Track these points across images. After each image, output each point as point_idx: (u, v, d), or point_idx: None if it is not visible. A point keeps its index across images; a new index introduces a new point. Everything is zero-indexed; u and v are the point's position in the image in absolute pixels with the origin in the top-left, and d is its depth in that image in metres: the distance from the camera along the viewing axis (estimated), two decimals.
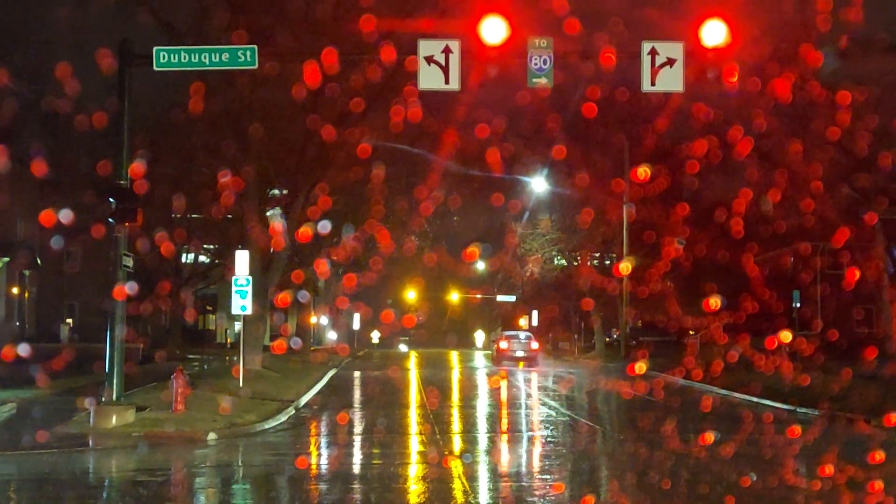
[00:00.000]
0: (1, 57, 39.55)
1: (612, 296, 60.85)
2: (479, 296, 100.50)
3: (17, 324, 56.03)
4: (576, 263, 67.79)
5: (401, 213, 50.10)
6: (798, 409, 27.70)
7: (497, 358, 57.12)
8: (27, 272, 57.16)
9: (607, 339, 68.97)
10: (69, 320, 59.92)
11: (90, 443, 21.23)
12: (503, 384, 39.49)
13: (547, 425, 25.10)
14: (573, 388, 38.50)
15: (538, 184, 59.87)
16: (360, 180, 41.07)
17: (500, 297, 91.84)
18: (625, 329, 59.50)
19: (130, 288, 23.70)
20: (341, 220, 49.26)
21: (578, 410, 29.85)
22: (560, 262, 69.52)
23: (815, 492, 15.01)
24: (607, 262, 66.90)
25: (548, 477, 17.11)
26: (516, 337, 58.73)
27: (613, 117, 52.39)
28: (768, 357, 36.26)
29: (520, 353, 55.52)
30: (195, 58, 22.64)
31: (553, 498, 14.82)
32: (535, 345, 56.76)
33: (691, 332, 53.08)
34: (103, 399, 23.06)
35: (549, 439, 22.51)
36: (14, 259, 53.21)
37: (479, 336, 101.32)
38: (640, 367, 39.64)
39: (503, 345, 56.92)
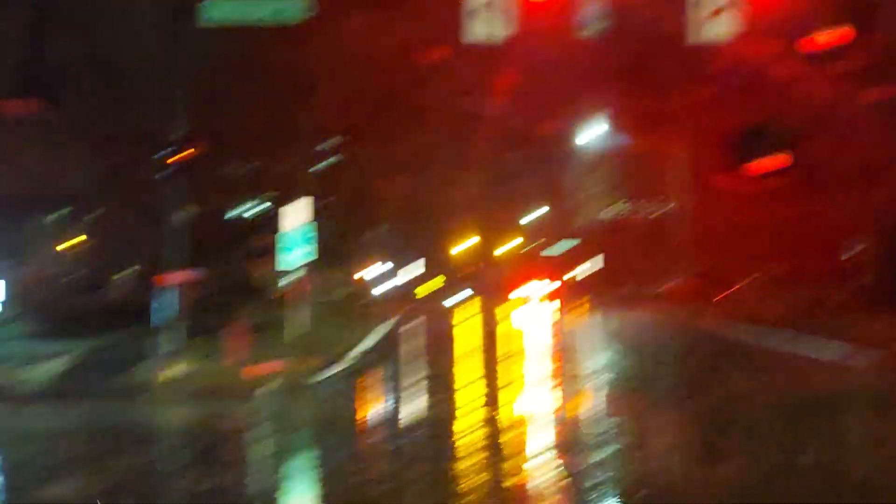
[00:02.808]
0: (54, 8, 39.74)
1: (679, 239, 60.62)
2: (542, 240, 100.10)
3: (79, 274, 56.90)
4: (636, 209, 67.44)
5: (457, 160, 49.89)
6: None
7: None
8: (87, 222, 57.93)
9: (668, 286, 68.65)
10: (130, 270, 60.61)
11: (149, 392, 21.56)
12: (548, 329, 39.47)
13: (598, 372, 25.05)
14: (628, 334, 38.38)
15: (600, 127, 59.23)
16: (417, 129, 41.00)
17: (560, 244, 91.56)
18: (685, 275, 59.17)
19: (184, 241, 23.98)
20: (399, 168, 49.25)
21: (635, 357, 29.66)
22: (621, 207, 69.27)
23: None
24: (669, 207, 66.56)
25: (599, 422, 17.13)
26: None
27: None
28: None
29: None
30: (245, 10, 22.66)
31: (609, 446, 14.84)
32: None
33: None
34: (164, 350, 23.39)
35: (601, 386, 22.45)
36: (74, 210, 53.95)
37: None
38: None
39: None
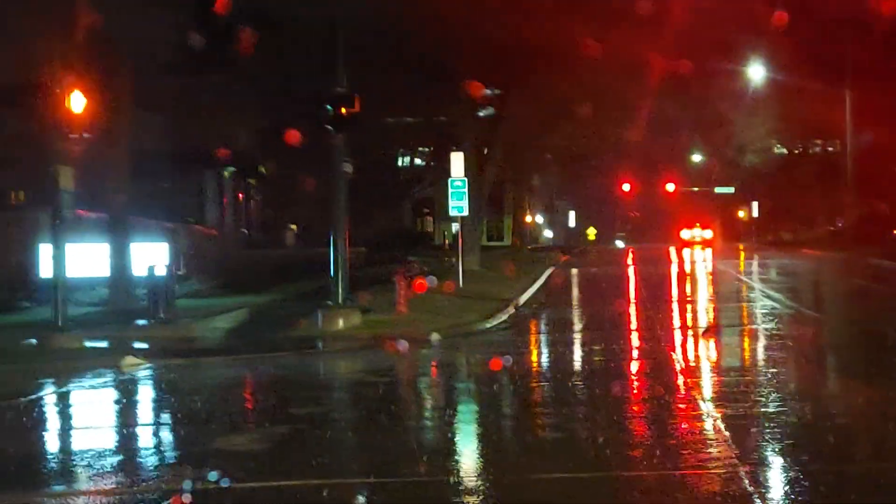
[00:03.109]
0: None
1: (835, 182, 58.68)
2: (695, 189, 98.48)
3: (245, 231, 58.24)
4: (797, 151, 65.57)
5: (614, 107, 49.12)
6: None
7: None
8: (252, 181, 59.17)
9: (832, 229, 66.73)
10: (293, 226, 61.79)
11: (319, 345, 21.92)
12: (714, 278, 38.76)
13: (769, 317, 24.45)
14: (792, 279, 37.46)
15: (755, 71, 57.78)
16: (572, 75, 40.45)
17: (717, 189, 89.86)
18: (850, 217, 57.37)
19: (348, 192, 24.17)
20: (554, 117, 48.80)
21: (802, 301, 28.94)
22: (780, 150, 67.32)
23: None
24: (830, 149, 64.46)
25: (774, 370, 16.68)
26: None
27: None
28: None
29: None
30: None
31: (780, 393, 14.44)
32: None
33: None
34: (329, 303, 23.69)
35: (772, 332, 21.92)
36: (239, 168, 55.12)
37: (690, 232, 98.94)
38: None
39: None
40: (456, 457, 11.52)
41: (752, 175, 72.96)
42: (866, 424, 12.32)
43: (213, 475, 10.21)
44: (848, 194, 56.37)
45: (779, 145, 67.05)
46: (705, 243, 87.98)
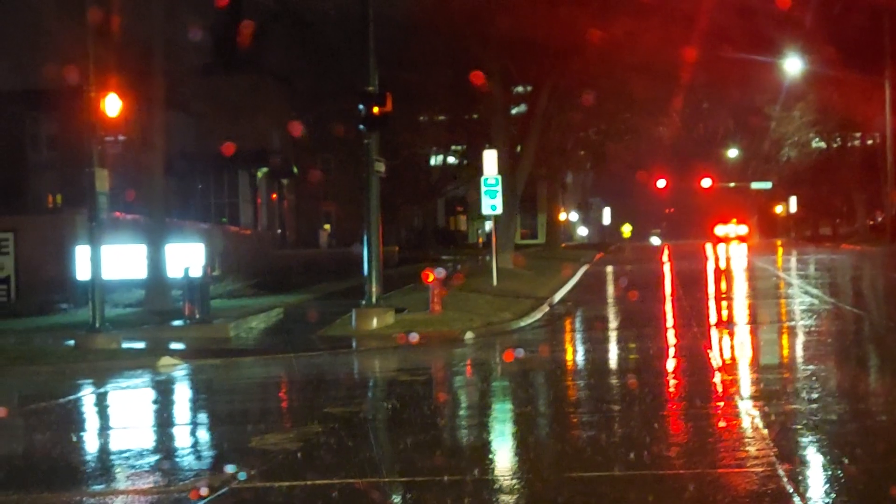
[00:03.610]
0: None
1: (875, 176, 58.09)
2: (731, 184, 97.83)
3: (279, 231, 58.43)
4: (835, 145, 64.99)
5: (649, 102, 48.84)
6: None
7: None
8: (285, 181, 59.36)
9: (871, 223, 66.11)
10: (327, 226, 61.97)
11: (353, 344, 21.94)
12: (751, 274, 38.49)
13: (808, 314, 24.23)
14: (831, 275, 37.15)
15: (792, 64, 57.31)
16: (605, 71, 40.26)
17: (754, 185, 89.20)
18: (890, 211, 56.80)
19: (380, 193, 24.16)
20: (587, 114, 48.61)
21: (842, 297, 28.67)
22: (818, 144, 66.68)
23: None
24: (870, 142, 63.84)
25: (813, 367, 16.52)
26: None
27: None
28: None
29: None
30: None
31: (819, 391, 14.29)
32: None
33: None
34: (363, 302, 23.71)
35: (811, 328, 21.71)
36: (272, 168, 55.32)
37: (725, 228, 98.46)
38: None
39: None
40: (491, 455, 11.47)
41: (790, 170, 72.38)
42: None
43: (247, 475, 10.24)
44: (888, 188, 55.80)
45: (817, 139, 66.44)
46: (740, 239, 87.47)
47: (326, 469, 10.61)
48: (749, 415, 12.47)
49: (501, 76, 38.40)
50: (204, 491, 9.74)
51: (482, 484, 9.78)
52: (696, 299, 29.18)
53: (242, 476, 10.24)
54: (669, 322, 24.63)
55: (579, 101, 43.46)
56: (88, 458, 12.35)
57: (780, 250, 54.28)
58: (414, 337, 21.43)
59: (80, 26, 22.02)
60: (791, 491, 9.09)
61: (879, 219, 66.26)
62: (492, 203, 30.48)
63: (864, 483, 9.31)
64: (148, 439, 13.18)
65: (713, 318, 24.82)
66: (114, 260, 28.22)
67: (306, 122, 47.39)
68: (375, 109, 23.29)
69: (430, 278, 24.90)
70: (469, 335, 22.22)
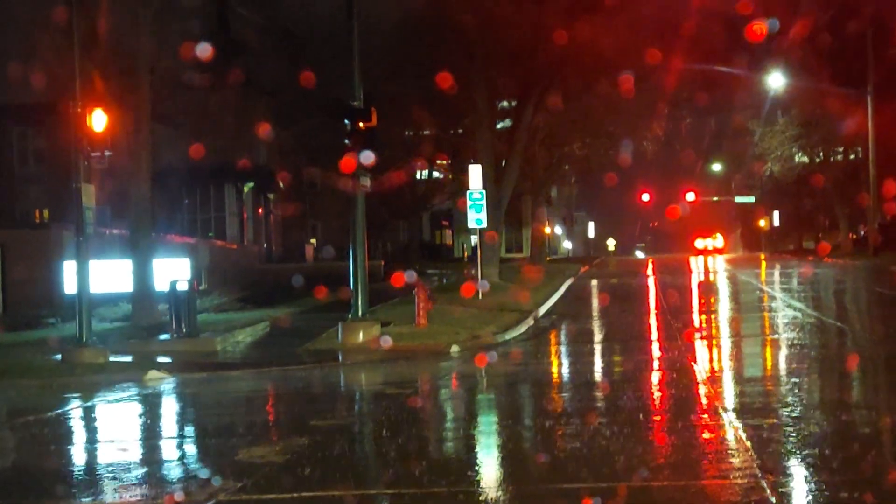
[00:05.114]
0: None
1: (858, 190, 58.35)
2: (715, 198, 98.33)
3: (265, 245, 58.46)
4: (818, 160, 65.35)
5: (632, 117, 49.09)
6: None
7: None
8: (271, 195, 59.41)
9: (854, 237, 66.42)
10: (313, 240, 62.03)
11: (339, 358, 22.01)
12: (735, 287, 38.66)
13: (791, 327, 24.37)
14: (814, 289, 37.36)
15: (775, 79, 57.65)
16: (590, 85, 40.44)
17: (738, 199, 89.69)
18: (872, 225, 57.07)
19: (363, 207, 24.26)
20: (571, 128, 48.85)
21: (825, 311, 28.83)
22: (802, 158, 66.99)
23: None
24: (852, 157, 64.18)
25: (796, 380, 16.65)
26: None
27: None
28: None
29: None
30: None
31: (802, 403, 14.42)
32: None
33: None
34: (350, 316, 23.77)
35: (794, 341, 21.83)
36: (258, 183, 55.37)
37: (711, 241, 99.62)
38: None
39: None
40: (476, 467, 11.57)
41: (773, 184, 72.70)
42: (891, 436, 12.30)
43: (233, 487, 10.31)
44: (870, 202, 56.08)
45: (800, 153, 66.76)
46: (717, 251, 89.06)
47: (313, 482, 10.68)
48: (733, 427, 12.59)
49: (487, 90, 38.56)
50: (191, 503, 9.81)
51: (468, 496, 9.87)
52: (680, 312, 29.31)
53: (229, 489, 10.31)
54: (654, 335, 24.75)
55: (564, 115, 43.69)
56: (76, 471, 12.38)
57: (764, 264, 54.50)
58: (399, 350, 21.47)
59: (67, 41, 22.10)
60: (774, 502, 9.21)
61: (862, 233, 66.58)
62: (477, 217, 30.62)
63: (846, 494, 9.42)
64: (135, 452, 13.23)
65: (697, 332, 24.95)
66: (101, 274, 28.25)
67: (292, 137, 47.50)
68: (361, 124, 23.38)
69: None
70: (455, 348, 22.30)
